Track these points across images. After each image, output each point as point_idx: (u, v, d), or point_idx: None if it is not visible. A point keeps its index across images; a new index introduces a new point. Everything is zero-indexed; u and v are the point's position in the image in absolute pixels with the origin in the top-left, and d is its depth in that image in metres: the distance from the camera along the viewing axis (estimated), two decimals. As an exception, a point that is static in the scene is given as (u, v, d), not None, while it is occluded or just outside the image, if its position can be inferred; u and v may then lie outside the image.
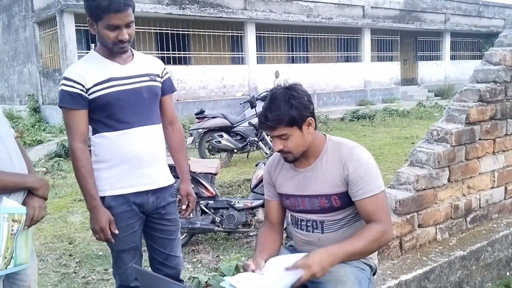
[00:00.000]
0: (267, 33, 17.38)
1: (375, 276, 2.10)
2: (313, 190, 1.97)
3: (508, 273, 2.95)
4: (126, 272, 2.39)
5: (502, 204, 3.13)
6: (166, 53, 14.31)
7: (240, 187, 6.59)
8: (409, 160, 2.75)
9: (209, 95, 15.18)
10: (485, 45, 24.05)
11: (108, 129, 2.24)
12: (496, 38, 3.43)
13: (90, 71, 2.22)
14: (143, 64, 2.36)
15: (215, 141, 8.00)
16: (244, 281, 1.75)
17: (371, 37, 20.30)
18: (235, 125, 8.14)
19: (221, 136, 8.00)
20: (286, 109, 1.86)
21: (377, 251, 2.09)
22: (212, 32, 15.60)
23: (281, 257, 1.98)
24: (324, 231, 2.00)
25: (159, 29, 14.20)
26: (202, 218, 4.50)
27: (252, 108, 6.17)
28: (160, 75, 2.41)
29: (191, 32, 15.51)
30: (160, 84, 2.40)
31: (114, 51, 2.23)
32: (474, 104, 2.86)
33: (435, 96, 20.95)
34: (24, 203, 2.03)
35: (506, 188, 3.15)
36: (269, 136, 5.35)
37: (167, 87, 2.44)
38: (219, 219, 4.52)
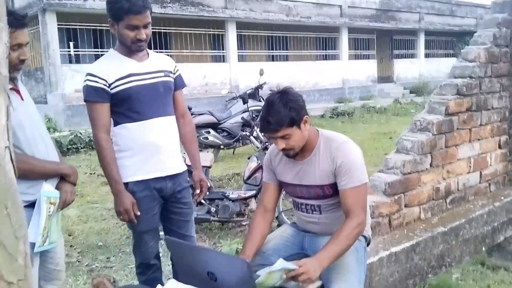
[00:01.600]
0: (247, 32, 17.62)
1: (368, 248, 2.39)
2: (309, 180, 2.23)
3: (483, 248, 3.29)
4: (148, 251, 2.62)
5: (477, 187, 3.47)
6: (155, 51, 14.37)
7: (230, 180, 6.83)
8: (396, 147, 3.05)
9: (191, 93, 15.34)
10: (457, 44, 24.77)
11: (128, 120, 2.45)
12: (468, 36, 3.77)
13: (112, 67, 2.42)
14: (158, 62, 2.58)
15: (202, 138, 8.20)
16: None
17: (349, 36, 20.73)
18: (221, 122, 8.35)
19: (208, 132, 8.21)
20: (286, 112, 2.06)
21: (369, 227, 2.38)
22: (194, 30, 15.75)
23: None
24: (322, 213, 2.27)
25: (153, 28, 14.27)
26: (198, 208, 4.72)
27: (244, 103, 6.40)
28: (173, 72, 2.63)
29: (173, 31, 15.64)
30: (173, 80, 2.61)
31: (132, 49, 2.44)
32: (453, 97, 3.18)
33: (410, 93, 21.48)
34: (57, 188, 2.25)
35: (481, 173, 3.48)
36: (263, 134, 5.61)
37: (179, 83, 2.66)
38: (214, 209, 4.75)
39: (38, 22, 13.02)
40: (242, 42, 17.82)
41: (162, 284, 1.94)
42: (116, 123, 2.50)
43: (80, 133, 10.09)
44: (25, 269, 1.01)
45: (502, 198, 3.46)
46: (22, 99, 2.18)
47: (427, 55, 24.81)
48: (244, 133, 6.07)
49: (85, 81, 2.43)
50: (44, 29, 12.73)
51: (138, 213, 2.48)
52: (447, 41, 26.08)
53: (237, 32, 16.99)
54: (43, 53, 12.89)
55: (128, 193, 2.46)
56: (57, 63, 13.07)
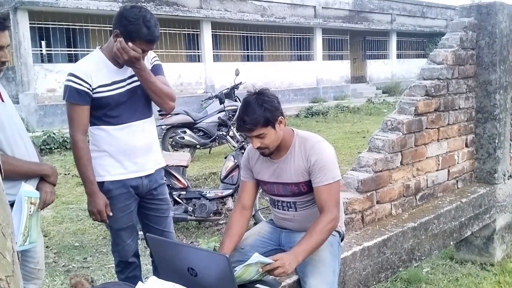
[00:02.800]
0: (222, 32, 17.66)
1: (342, 243, 2.49)
2: (284, 178, 2.31)
3: (452, 242, 3.43)
4: (124, 249, 2.66)
5: (445, 184, 3.61)
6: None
7: (206, 180, 6.88)
8: (368, 146, 3.16)
9: (166, 93, 15.26)
10: (428, 44, 25.32)
11: (106, 124, 2.49)
12: (438, 37, 3.91)
13: (96, 72, 2.44)
14: None
15: (178, 137, 8.23)
16: None
17: (323, 36, 20.98)
18: (197, 122, 8.39)
19: (184, 132, 8.24)
20: (261, 112, 2.14)
21: (343, 222, 2.49)
22: (168, 30, 15.70)
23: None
24: (297, 210, 2.36)
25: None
26: (175, 208, 4.76)
27: (221, 103, 6.46)
28: (150, 64, 2.59)
29: (147, 30, 15.54)
30: None
31: (120, 62, 2.44)
32: (422, 98, 3.30)
33: (383, 93, 21.88)
34: (37, 188, 2.28)
35: (449, 171, 3.63)
36: (239, 133, 5.67)
37: (154, 71, 2.58)
38: (191, 208, 4.80)
39: (10, 20, 12.77)
40: (217, 42, 17.86)
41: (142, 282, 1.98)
42: (93, 124, 2.53)
43: (54, 133, 9.96)
44: (13, 266, 1.06)
45: (469, 194, 3.61)
46: (3, 100, 2.20)
47: (399, 56, 25.30)
48: (221, 132, 6.14)
49: (68, 80, 2.44)
50: (16, 28, 12.52)
51: (111, 214, 2.52)
52: (418, 42, 26.64)
53: (212, 32, 17.01)
54: (14, 52, 12.66)
55: (102, 194, 2.50)
56: (29, 62, 12.86)
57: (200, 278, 1.87)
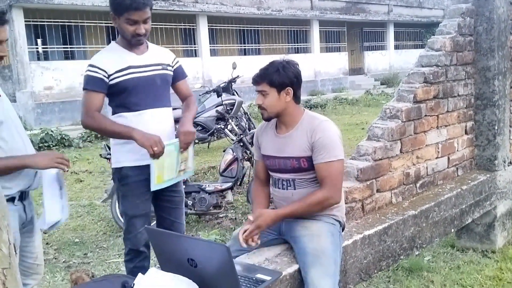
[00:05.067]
0: (219, 26, 17.60)
1: (343, 232, 2.47)
2: (287, 153, 2.33)
3: (452, 230, 3.42)
4: (136, 237, 2.69)
5: (445, 172, 3.59)
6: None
7: (206, 174, 6.86)
8: (367, 135, 3.14)
9: (164, 89, 15.23)
10: (426, 35, 25.25)
11: (125, 110, 2.60)
12: (436, 27, 3.88)
13: (112, 59, 2.57)
14: (157, 55, 2.71)
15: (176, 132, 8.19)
16: None
17: (320, 28, 20.92)
18: (195, 116, 8.34)
19: (183, 127, 8.19)
20: (273, 72, 2.24)
21: (344, 212, 2.47)
22: (164, 25, 15.64)
23: None
24: (296, 188, 2.36)
25: (111, 23, 14.09)
26: (175, 202, 4.75)
27: (218, 96, 6.44)
28: (171, 65, 2.76)
29: (143, 26, 15.48)
30: (171, 73, 2.75)
31: (132, 43, 2.58)
32: (420, 85, 3.28)
33: (381, 84, 21.86)
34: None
35: (448, 158, 3.61)
36: (234, 122, 5.64)
37: (180, 74, 2.81)
38: (191, 202, 4.79)
39: (8, 15, 12.70)
40: (213, 36, 17.79)
41: None
42: (113, 112, 2.64)
43: (51, 131, 9.93)
44: (9, 258, 1.05)
45: (469, 181, 3.59)
46: None
47: (396, 47, 25.24)
48: (219, 126, 6.11)
49: (86, 71, 2.57)
50: (11, 25, 12.44)
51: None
52: (415, 33, 26.57)
53: (208, 26, 16.95)
54: (10, 50, 12.59)
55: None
56: (25, 60, 12.81)
57: (200, 269, 1.85)
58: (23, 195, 2.26)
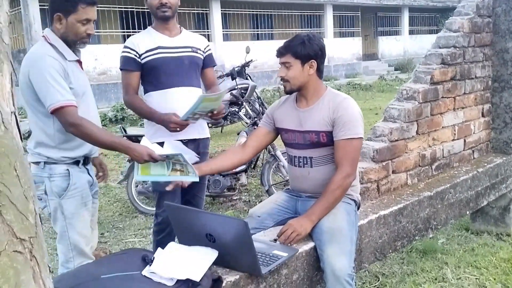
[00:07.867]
0: (232, 10, 17.49)
1: (358, 211, 2.49)
2: (307, 126, 2.34)
3: (467, 212, 3.41)
4: (166, 211, 2.75)
5: (461, 154, 3.58)
6: (132, 31, 14.24)
7: (219, 157, 6.89)
8: (383, 116, 3.13)
9: (177, 73, 15.24)
10: (441, 20, 24.86)
11: (154, 89, 2.77)
12: (451, 12, 3.83)
13: (144, 40, 2.75)
14: (188, 39, 2.86)
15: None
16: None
17: (333, 13, 20.69)
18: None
19: (196, 111, 8.22)
20: (297, 44, 2.25)
21: (359, 191, 2.49)
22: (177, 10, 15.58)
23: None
24: (313, 166, 2.36)
25: (124, 8, 14.12)
26: (189, 183, 4.80)
27: (232, 79, 6.44)
28: (203, 50, 2.88)
29: (156, 10, 15.45)
30: (201, 57, 2.86)
31: (158, 15, 2.74)
32: (437, 66, 3.25)
33: (395, 70, 21.63)
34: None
35: (465, 141, 3.59)
36: (247, 106, 5.65)
37: (209, 61, 2.93)
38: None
39: (19, 2, 12.78)
40: (226, 21, 17.70)
41: None
42: (146, 91, 2.83)
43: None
44: (36, 228, 1.07)
45: (485, 164, 3.57)
46: (82, 69, 2.44)
47: (411, 32, 24.90)
48: (233, 109, 6.12)
49: (122, 52, 2.79)
50: (26, 10, 12.51)
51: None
52: (430, 18, 26.17)
53: (221, 10, 16.85)
54: (25, 34, 12.70)
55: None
56: (40, 44, 12.86)
57: (218, 244, 1.89)
58: (86, 160, 2.44)
